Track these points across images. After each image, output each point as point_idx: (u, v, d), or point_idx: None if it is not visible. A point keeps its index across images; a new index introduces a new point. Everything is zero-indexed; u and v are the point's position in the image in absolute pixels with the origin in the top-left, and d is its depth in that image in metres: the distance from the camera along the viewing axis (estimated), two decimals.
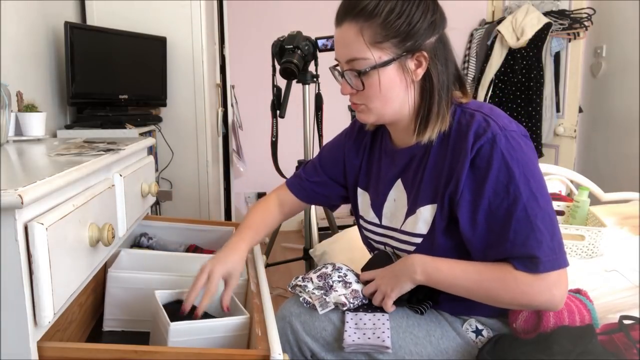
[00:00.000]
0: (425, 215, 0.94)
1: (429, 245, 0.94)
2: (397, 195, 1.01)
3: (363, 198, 1.10)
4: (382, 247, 1.06)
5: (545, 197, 0.86)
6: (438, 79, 0.90)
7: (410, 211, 0.98)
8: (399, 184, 1.01)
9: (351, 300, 1.00)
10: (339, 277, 1.04)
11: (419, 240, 0.96)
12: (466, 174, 0.87)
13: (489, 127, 0.86)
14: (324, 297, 1.01)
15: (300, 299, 1.02)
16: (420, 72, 0.89)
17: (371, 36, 0.86)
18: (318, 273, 1.06)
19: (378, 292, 0.99)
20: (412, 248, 0.97)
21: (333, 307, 1.01)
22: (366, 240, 1.12)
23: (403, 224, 0.99)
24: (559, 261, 0.84)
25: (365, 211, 1.09)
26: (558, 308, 0.87)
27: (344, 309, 1.00)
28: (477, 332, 0.99)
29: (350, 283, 1.03)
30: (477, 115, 0.89)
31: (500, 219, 0.85)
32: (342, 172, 1.14)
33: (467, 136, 0.87)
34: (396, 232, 1.01)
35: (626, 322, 0.94)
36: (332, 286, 1.02)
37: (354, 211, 1.14)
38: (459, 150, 0.89)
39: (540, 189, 0.85)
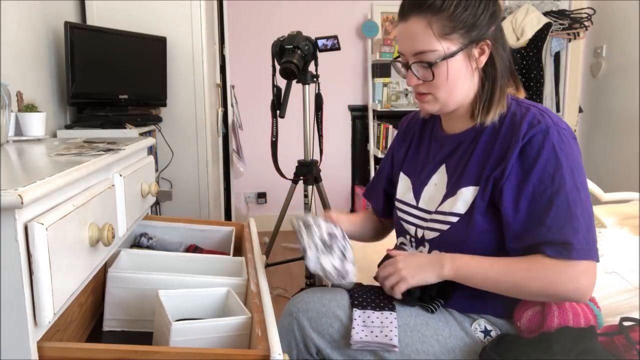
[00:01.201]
0: (466, 196, 0.97)
1: (465, 226, 0.97)
2: (439, 179, 1.04)
3: (404, 182, 1.14)
4: (412, 228, 1.08)
5: (587, 193, 0.90)
6: (500, 64, 0.96)
7: (450, 193, 1.01)
8: (442, 169, 1.04)
9: (334, 277, 1.01)
10: (342, 247, 1.04)
11: (455, 219, 0.98)
12: (514, 160, 0.91)
13: (544, 119, 0.92)
14: (318, 257, 1.01)
15: (301, 237, 1.03)
16: (484, 59, 0.96)
17: (440, 29, 0.91)
18: (330, 230, 1.07)
19: (395, 274, 0.99)
20: (445, 227, 0.99)
21: (319, 271, 1.00)
22: (398, 222, 1.14)
23: (440, 205, 1.02)
24: (591, 253, 0.87)
25: (404, 193, 1.12)
26: (584, 299, 0.90)
27: (323, 276, 1.01)
28: (486, 332, 0.99)
29: (346, 260, 1.04)
30: (532, 109, 0.95)
31: (541, 205, 0.89)
32: (391, 173, 1.21)
33: (521, 125, 0.92)
34: (429, 213, 1.04)
35: (626, 324, 0.94)
36: (332, 250, 1.02)
37: (388, 194, 1.20)
38: (510, 137, 0.93)
39: (584, 184, 0.90)
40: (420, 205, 1.07)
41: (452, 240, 0.99)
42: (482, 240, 0.96)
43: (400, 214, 1.13)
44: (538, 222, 0.89)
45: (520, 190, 0.91)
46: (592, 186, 2.14)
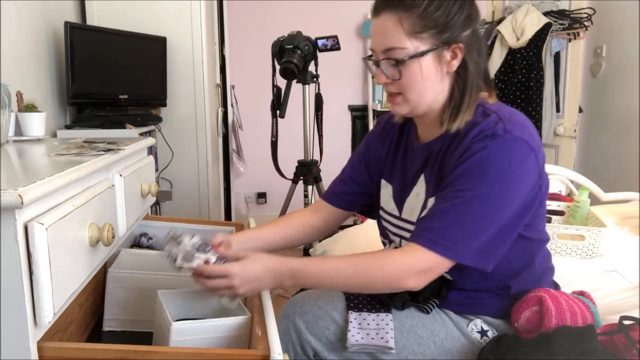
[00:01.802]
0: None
1: None
2: (420, 190, 1.02)
3: (385, 190, 1.11)
4: (397, 238, 1.07)
5: (494, 208, 0.86)
6: (471, 71, 0.93)
7: (425, 205, 0.99)
8: (422, 179, 1.02)
9: (179, 259, 0.92)
10: (204, 253, 0.95)
11: None
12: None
13: (495, 127, 0.88)
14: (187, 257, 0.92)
15: (168, 250, 0.94)
16: (455, 63, 0.92)
17: (410, 26, 0.88)
18: (198, 242, 0.97)
19: (227, 288, 0.91)
20: None
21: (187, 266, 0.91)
22: (383, 231, 1.12)
23: (419, 217, 1.00)
24: (450, 251, 0.86)
25: (386, 202, 1.10)
26: (398, 284, 0.89)
27: (169, 260, 0.93)
28: (483, 332, 0.99)
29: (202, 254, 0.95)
30: (492, 116, 0.91)
31: (441, 197, 0.90)
32: (367, 171, 1.16)
33: (471, 132, 0.90)
34: (412, 224, 1.02)
35: (626, 322, 0.94)
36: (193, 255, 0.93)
37: (375, 202, 1.15)
38: (462, 143, 0.91)
39: (496, 199, 0.86)
40: (404, 215, 1.05)
41: None
42: None
43: (384, 223, 1.11)
44: (429, 214, 0.91)
45: (442, 186, 0.92)
46: (592, 186, 2.15)
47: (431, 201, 0.96)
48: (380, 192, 1.12)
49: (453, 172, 0.89)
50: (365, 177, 1.16)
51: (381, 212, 1.12)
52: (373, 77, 1.02)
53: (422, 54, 0.89)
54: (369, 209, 1.20)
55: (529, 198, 0.90)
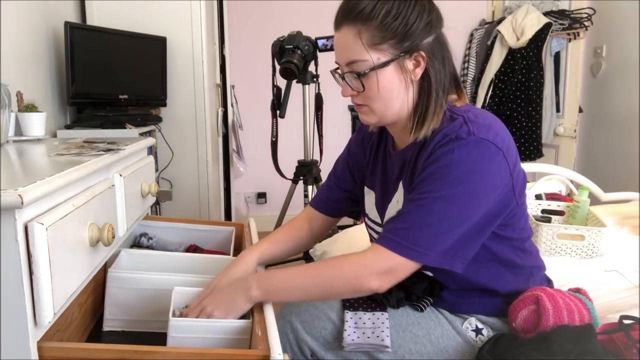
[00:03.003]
0: None
1: None
2: (400, 196, 1.02)
3: (369, 197, 1.11)
4: None
5: (464, 209, 0.86)
6: (436, 78, 0.91)
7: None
8: (401, 187, 1.02)
9: None
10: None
11: None
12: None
13: (461, 129, 0.87)
14: None
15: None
16: (419, 71, 0.91)
17: (369, 38, 0.87)
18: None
19: (202, 313, 0.93)
20: None
21: None
22: (371, 238, 1.13)
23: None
24: (411, 252, 0.86)
25: (370, 209, 1.10)
26: (361, 288, 0.89)
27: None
28: (477, 331, 0.99)
29: None
30: (458, 119, 0.90)
31: (406, 201, 0.90)
32: (351, 176, 1.16)
33: (437, 135, 0.90)
34: None
35: (626, 322, 0.94)
36: None
37: (361, 209, 1.15)
38: (428, 148, 0.91)
39: (464, 198, 0.85)
40: (384, 222, 1.05)
41: None
42: None
43: (370, 230, 1.12)
44: (395, 216, 0.92)
45: (410, 190, 0.92)
46: (592, 186, 2.15)
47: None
48: (365, 199, 1.13)
49: (419, 176, 0.90)
50: (350, 183, 1.17)
51: (366, 219, 1.13)
52: (331, 73, 1.00)
53: (383, 65, 0.88)
54: (358, 213, 1.21)
55: (500, 198, 0.89)
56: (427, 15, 0.89)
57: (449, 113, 0.93)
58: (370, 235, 1.12)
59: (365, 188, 1.12)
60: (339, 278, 0.90)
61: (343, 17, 0.90)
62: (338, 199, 1.18)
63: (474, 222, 0.87)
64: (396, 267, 0.87)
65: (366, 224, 1.13)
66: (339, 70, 0.96)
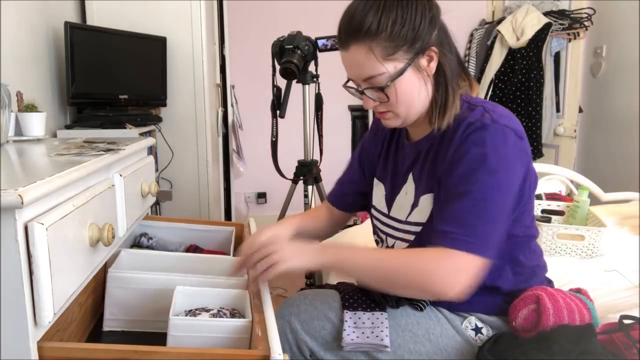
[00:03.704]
0: (424, 204, 0.97)
1: (428, 234, 0.95)
2: (409, 188, 1.03)
3: (378, 189, 1.12)
4: (384, 236, 1.08)
5: (503, 196, 0.87)
6: (449, 67, 0.94)
7: (415, 203, 0.99)
8: (410, 178, 1.03)
9: None
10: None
11: (419, 229, 0.98)
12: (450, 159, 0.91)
13: (483, 118, 0.90)
14: None
15: None
16: (433, 65, 0.93)
17: (382, 51, 0.88)
18: None
19: (273, 254, 0.92)
20: (412, 237, 0.99)
21: None
22: (375, 229, 1.14)
23: (409, 215, 1.01)
24: (481, 249, 0.85)
25: (378, 201, 1.11)
26: (451, 296, 0.85)
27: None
28: (477, 330, 0.99)
29: None
30: (477, 109, 0.93)
31: (452, 198, 0.88)
32: (362, 172, 1.18)
33: (460, 126, 0.91)
34: (400, 223, 1.03)
35: (626, 321, 0.94)
36: None
37: (368, 200, 1.16)
38: (453, 139, 0.92)
39: (504, 186, 0.87)
40: (392, 214, 1.06)
41: None
42: None
43: (375, 221, 1.12)
44: (444, 212, 0.89)
45: (445, 185, 0.90)
46: (592, 186, 2.15)
47: (425, 199, 0.96)
48: (373, 191, 1.14)
49: (454, 170, 0.89)
50: (361, 178, 1.18)
51: (373, 211, 1.13)
52: (345, 88, 1.01)
53: (401, 72, 0.90)
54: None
55: (519, 187, 0.91)
56: (429, 11, 0.90)
57: (466, 104, 0.96)
58: (375, 226, 1.12)
59: (375, 180, 1.13)
60: (410, 269, 0.87)
61: (349, 37, 0.90)
62: (350, 193, 1.20)
63: (508, 209, 0.89)
64: (468, 267, 0.85)
65: (372, 216, 1.13)
66: (352, 85, 0.97)
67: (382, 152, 1.13)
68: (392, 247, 1.05)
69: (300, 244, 0.96)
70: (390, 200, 1.07)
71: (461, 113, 0.94)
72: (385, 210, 1.08)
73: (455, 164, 0.89)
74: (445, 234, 0.86)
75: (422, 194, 0.97)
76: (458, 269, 0.84)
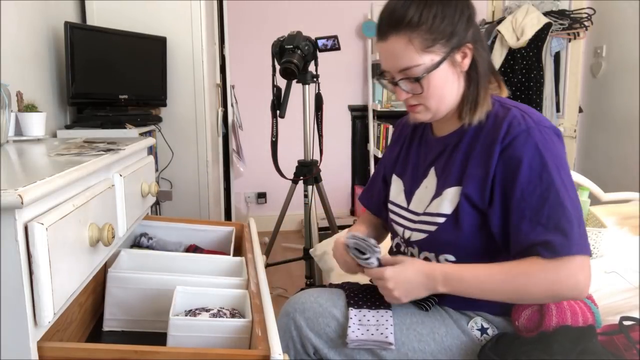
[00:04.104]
0: (450, 196, 0.98)
1: (452, 226, 0.97)
2: (430, 182, 1.04)
3: (397, 184, 1.14)
4: (401, 229, 1.08)
5: (573, 188, 0.91)
6: (482, 64, 0.98)
7: (437, 194, 1.01)
8: (432, 172, 1.04)
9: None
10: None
11: (442, 220, 0.98)
12: (496, 163, 0.92)
13: (524, 120, 0.92)
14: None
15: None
16: (467, 62, 0.96)
17: (421, 43, 0.92)
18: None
19: (387, 295, 0.96)
20: (433, 228, 0.99)
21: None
22: (390, 223, 1.14)
23: (427, 207, 1.02)
24: (585, 247, 0.88)
25: (396, 196, 1.12)
26: (584, 295, 0.89)
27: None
28: (483, 330, 0.99)
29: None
30: (513, 110, 0.95)
31: (533, 205, 0.89)
32: (383, 176, 1.21)
33: (500, 126, 0.93)
34: (418, 215, 1.04)
35: (626, 323, 0.94)
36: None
37: (384, 197, 1.19)
38: (491, 138, 0.94)
39: (570, 180, 0.91)
40: (411, 207, 1.07)
41: (440, 241, 0.99)
42: (469, 240, 0.96)
43: (391, 215, 1.13)
44: (533, 222, 0.88)
45: (509, 194, 0.91)
46: (592, 186, 2.15)
47: (451, 191, 0.98)
48: (391, 187, 1.15)
49: (516, 180, 0.90)
50: (381, 182, 1.22)
51: (389, 205, 1.14)
52: (378, 80, 1.04)
53: (438, 64, 0.93)
54: None
55: None
56: (467, 9, 0.95)
57: (498, 102, 0.99)
58: (391, 220, 1.13)
59: (394, 176, 1.16)
60: (535, 285, 0.88)
61: (390, 28, 0.93)
62: (375, 194, 1.23)
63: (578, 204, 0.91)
64: (583, 266, 0.88)
65: (389, 210, 1.14)
66: (386, 77, 0.99)
67: (401, 150, 1.16)
68: (409, 239, 1.05)
69: (410, 277, 0.95)
70: (409, 194, 1.09)
71: (494, 110, 0.97)
72: (404, 204, 1.09)
73: (514, 171, 0.90)
74: (554, 243, 0.87)
75: (448, 186, 0.99)
76: (576, 272, 0.87)
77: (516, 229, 0.90)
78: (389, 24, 0.93)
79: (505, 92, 1.04)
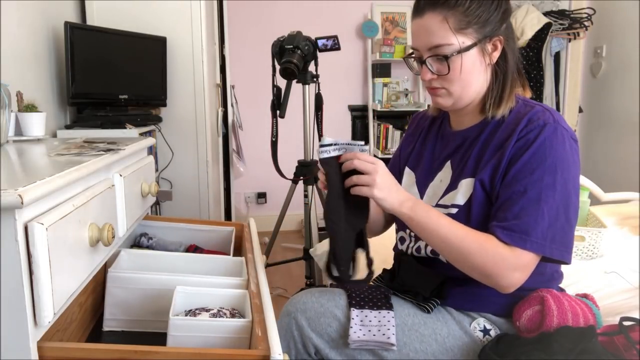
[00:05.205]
0: (465, 188, 0.98)
1: (464, 216, 0.97)
2: (444, 175, 1.05)
3: (409, 177, 1.14)
4: None
5: (566, 193, 0.90)
6: (511, 60, 0.99)
7: (451, 187, 1.01)
8: (447, 165, 1.05)
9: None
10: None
11: (454, 210, 0.99)
12: (510, 150, 0.94)
13: (544, 116, 0.94)
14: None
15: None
16: (496, 55, 0.98)
17: (456, 23, 0.93)
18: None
19: (367, 183, 0.92)
20: None
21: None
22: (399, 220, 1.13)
23: (441, 198, 1.02)
24: (544, 248, 0.89)
25: (408, 188, 1.12)
26: (506, 291, 0.91)
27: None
28: (485, 331, 0.99)
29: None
30: (537, 107, 0.97)
31: (514, 193, 0.91)
32: (399, 168, 1.19)
33: (521, 120, 0.95)
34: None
35: (626, 323, 0.94)
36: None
37: None
38: (510, 130, 0.96)
39: (565, 184, 0.90)
40: (424, 200, 1.07)
41: None
42: (484, 228, 0.95)
43: None
44: (506, 208, 0.91)
45: (505, 177, 0.93)
46: (592, 186, 2.15)
47: (466, 183, 0.98)
48: (403, 180, 1.15)
49: (515, 164, 0.92)
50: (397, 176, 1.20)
51: None
52: (405, 59, 1.07)
53: (468, 48, 0.94)
54: None
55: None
56: (504, 4, 0.97)
57: (522, 101, 1.01)
58: None
59: (407, 169, 1.16)
60: (480, 256, 0.90)
61: (427, 4, 0.95)
62: None
63: (573, 207, 0.92)
64: (527, 265, 0.90)
65: None
66: (414, 56, 1.01)
67: (417, 143, 1.16)
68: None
69: (394, 184, 0.96)
70: (423, 186, 1.09)
71: (518, 107, 0.99)
72: (417, 197, 1.09)
73: (516, 158, 0.93)
74: (514, 232, 0.89)
75: (463, 178, 0.99)
76: (518, 268, 0.89)
77: (495, 208, 0.93)
78: (427, 1, 0.95)
79: (528, 94, 1.05)
